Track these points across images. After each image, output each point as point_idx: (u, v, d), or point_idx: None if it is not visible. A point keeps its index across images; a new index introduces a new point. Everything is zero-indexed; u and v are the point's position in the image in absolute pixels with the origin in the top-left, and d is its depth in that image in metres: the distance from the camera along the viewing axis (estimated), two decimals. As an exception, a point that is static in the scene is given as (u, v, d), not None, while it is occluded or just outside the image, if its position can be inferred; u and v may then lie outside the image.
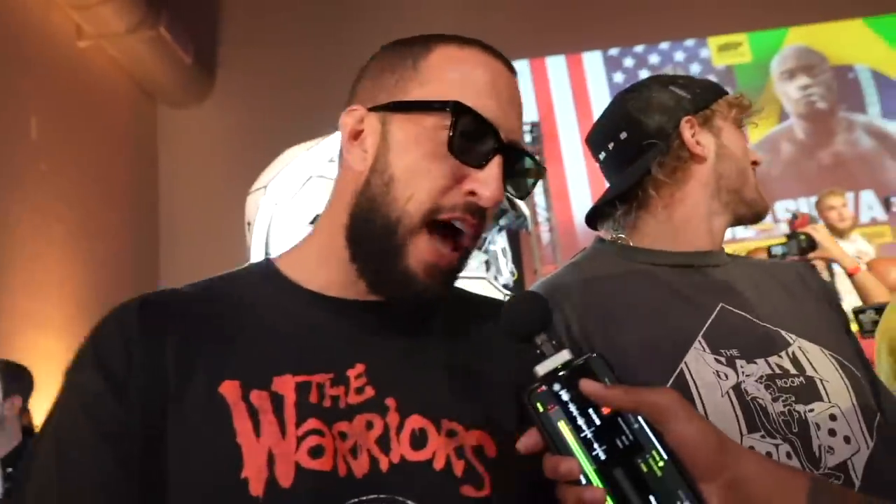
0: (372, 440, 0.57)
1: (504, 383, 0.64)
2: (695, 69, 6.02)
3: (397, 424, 0.58)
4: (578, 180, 5.92)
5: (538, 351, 0.53)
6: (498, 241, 3.03)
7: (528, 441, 0.51)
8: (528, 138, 6.03)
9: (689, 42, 6.20)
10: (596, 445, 0.48)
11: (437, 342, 0.65)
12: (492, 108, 0.60)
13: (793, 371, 0.78)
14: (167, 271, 6.15)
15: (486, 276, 2.46)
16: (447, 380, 0.63)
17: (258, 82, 6.33)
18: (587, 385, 0.50)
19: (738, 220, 0.95)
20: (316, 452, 0.54)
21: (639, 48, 6.18)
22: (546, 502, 0.54)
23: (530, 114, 6.16)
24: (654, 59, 6.17)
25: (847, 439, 0.75)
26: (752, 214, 0.95)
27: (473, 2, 6.19)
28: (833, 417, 0.76)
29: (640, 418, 0.49)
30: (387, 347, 0.62)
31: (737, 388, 0.77)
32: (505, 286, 2.77)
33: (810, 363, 0.80)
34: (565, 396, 0.50)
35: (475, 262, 2.73)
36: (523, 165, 0.65)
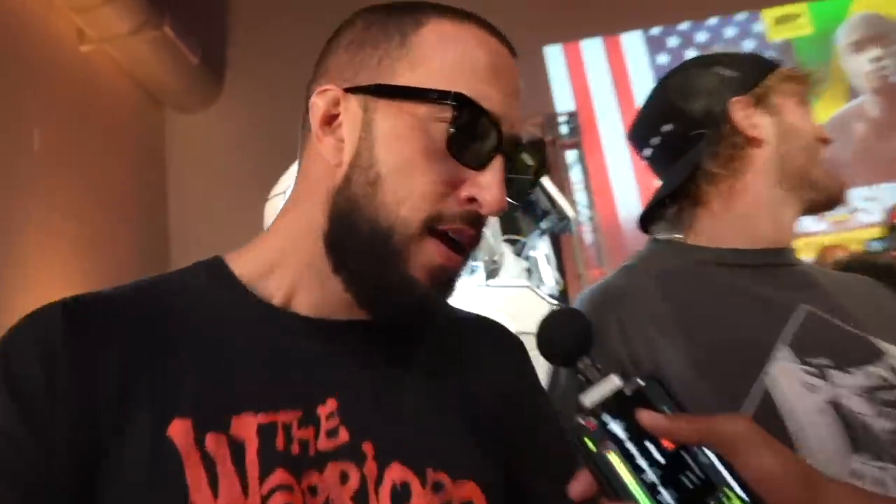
0: (347, 496, 0.52)
1: (497, 417, 0.61)
2: (748, 45, 5.74)
3: (376, 476, 0.53)
4: (622, 174, 5.72)
5: (582, 377, 0.49)
6: (540, 247, 2.88)
7: (579, 486, 0.46)
8: (564, 129, 5.89)
9: (741, 16, 5.93)
10: (661, 487, 0.44)
11: (419, 371, 0.60)
12: (493, 98, 0.56)
13: (894, 381, 0.73)
14: None
15: (528, 284, 2.35)
16: (431, 416, 0.58)
17: (270, 80, 6.32)
18: (647, 417, 0.45)
19: (810, 209, 0.88)
20: None
21: (684, 26, 5.90)
22: None
23: (566, 103, 6.02)
24: (701, 36, 5.89)
25: None
26: (826, 199, 0.88)
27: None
28: None
29: (709, 452, 0.45)
30: (363, 378, 0.57)
31: (834, 401, 0.72)
32: (550, 296, 2.63)
33: None
34: (619, 431, 0.46)
35: (516, 268, 2.60)
36: (524, 163, 0.60)
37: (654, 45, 5.93)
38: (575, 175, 5.83)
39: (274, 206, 2.09)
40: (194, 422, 0.50)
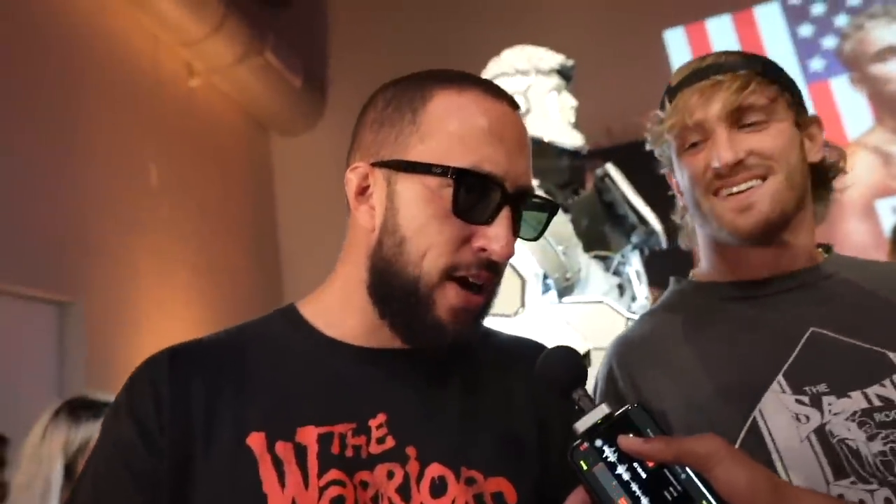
0: (392, 489, 0.65)
1: (527, 427, 0.72)
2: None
3: (417, 473, 0.66)
4: None
5: (576, 407, 0.57)
6: (633, 262, 2.84)
7: (574, 501, 0.55)
8: (690, 123, 5.66)
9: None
10: (644, 501, 0.52)
11: (458, 389, 0.72)
12: (496, 158, 0.66)
13: None
14: (292, 299, 6.51)
15: (603, 299, 2.34)
16: (467, 427, 0.70)
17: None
18: (625, 441, 0.54)
19: (726, 242, 0.93)
20: (337, 502, 0.62)
21: (829, -9, 5.54)
22: None
23: (691, 92, 5.79)
24: (852, 0, 5.48)
25: None
26: (726, 235, 0.90)
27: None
28: None
29: (687, 469, 0.52)
30: (408, 396, 0.70)
31: (820, 430, 0.77)
32: (634, 312, 2.59)
33: None
34: (608, 452, 0.54)
35: (605, 285, 2.59)
36: (536, 205, 0.71)
37: (795, 15, 5.49)
38: (704, 173, 5.60)
39: None
40: (267, 433, 0.65)
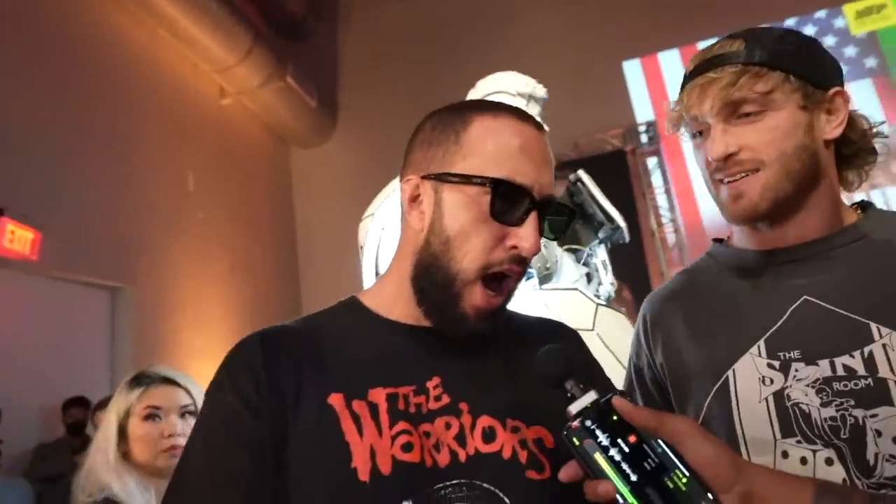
0: (451, 437, 0.68)
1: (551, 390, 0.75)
2: (829, 42, 5.40)
3: (470, 424, 0.69)
4: (703, 177, 5.53)
5: (569, 394, 0.60)
6: (599, 254, 2.97)
7: (568, 471, 0.58)
8: (644, 138, 5.83)
9: (821, 13, 5.62)
10: (627, 469, 0.55)
11: (495, 358, 0.76)
12: (525, 171, 0.70)
13: (861, 372, 0.73)
14: (308, 298, 6.57)
15: (576, 287, 2.42)
16: (507, 388, 0.74)
17: (375, 117, 6.66)
18: (620, 402, 0.57)
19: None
20: (407, 448, 0.66)
21: (761, 29, 5.71)
22: None
23: (645, 113, 5.96)
24: (779, 38, 5.62)
25: None
26: (730, 217, 0.84)
27: (579, 9, 6.09)
28: None
29: (661, 443, 0.55)
30: (456, 363, 0.73)
31: (779, 393, 0.76)
32: (607, 297, 2.71)
33: (890, 364, 0.72)
34: (597, 430, 0.57)
35: (575, 274, 2.70)
36: (557, 210, 0.74)
37: None
38: (656, 180, 5.77)
39: (364, 226, 2.28)
40: (345, 395, 0.68)
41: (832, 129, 0.80)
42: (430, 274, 0.71)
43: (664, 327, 0.89)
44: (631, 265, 3.13)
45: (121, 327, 4.50)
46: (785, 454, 0.74)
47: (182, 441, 1.42)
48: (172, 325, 4.83)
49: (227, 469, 0.65)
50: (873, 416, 0.71)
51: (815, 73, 0.79)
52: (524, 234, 0.69)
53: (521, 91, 2.29)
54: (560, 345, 0.65)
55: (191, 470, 0.68)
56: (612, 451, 0.56)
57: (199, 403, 1.47)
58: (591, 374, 0.81)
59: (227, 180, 5.90)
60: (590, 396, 0.59)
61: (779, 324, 0.79)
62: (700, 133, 0.82)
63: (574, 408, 0.59)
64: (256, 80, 5.87)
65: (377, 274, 1.55)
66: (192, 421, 1.46)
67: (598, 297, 2.49)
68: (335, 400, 0.67)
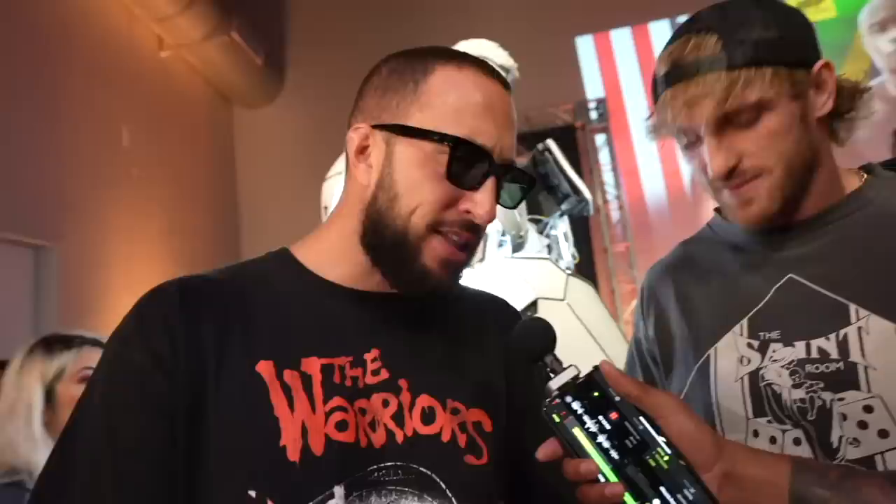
0: (388, 416, 0.64)
1: (494, 367, 0.73)
2: (772, 30, 5.59)
3: (409, 402, 0.66)
4: (648, 157, 5.68)
5: (548, 370, 0.58)
6: (559, 226, 3.00)
7: (547, 449, 0.56)
8: (593, 115, 5.90)
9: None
10: (609, 447, 0.54)
11: (439, 331, 0.72)
12: (486, 131, 0.65)
13: (833, 356, 0.72)
14: (248, 257, 6.41)
15: (549, 257, 2.47)
16: (449, 366, 0.70)
17: (326, 78, 6.47)
18: (607, 367, 0.56)
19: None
20: (341, 426, 0.61)
21: (709, 13, 5.84)
22: (528, 470, 0.67)
23: (595, 90, 6.02)
24: (726, 23, 5.78)
25: (884, 433, 0.69)
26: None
27: (533, -19, 6.05)
28: (869, 409, 0.69)
29: (643, 420, 0.54)
30: (397, 335, 0.69)
31: (754, 373, 0.75)
32: (567, 268, 2.75)
33: (862, 348, 0.71)
34: (577, 406, 0.55)
35: (538, 244, 2.73)
36: (516, 177, 0.69)
37: None
38: (603, 157, 5.85)
39: (330, 186, 2.21)
40: (275, 362, 0.62)
41: (822, 105, 0.76)
42: (378, 232, 0.66)
43: (657, 300, 0.88)
44: (575, 240, 3.21)
45: (45, 288, 4.25)
46: (756, 433, 0.74)
47: None
48: (102, 286, 4.61)
49: (129, 436, 0.58)
50: (840, 399, 0.71)
51: (799, 54, 0.74)
52: (479, 200, 0.64)
53: (503, 64, 2.25)
54: (539, 318, 0.62)
55: (85, 437, 0.59)
56: (593, 428, 0.54)
57: None
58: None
59: (165, 137, 5.63)
60: (570, 372, 0.57)
61: (762, 303, 0.78)
62: (690, 142, 0.77)
63: (554, 383, 0.57)
64: (199, 33, 5.55)
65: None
66: None
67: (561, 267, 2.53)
68: (264, 368, 0.61)
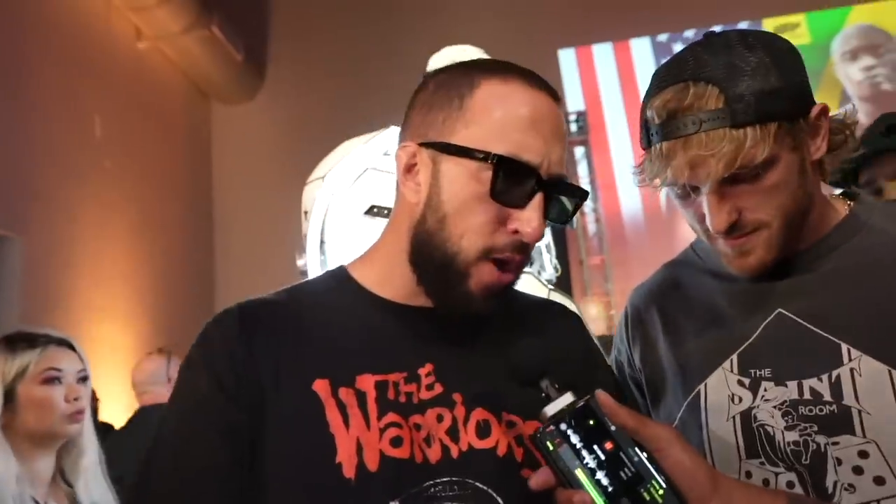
0: (443, 431, 0.64)
1: (566, 373, 0.72)
2: (748, 53, 5.74)
3: (464, 417, 0.65)
4: (625, 171, 5.68)
5: (543, 394, 0.57)
6: (543, 237, 2.98)
7: (539, 478, 0.55)
8: (573, 127, 5.95)
9: (743, 24, 5.93)
10: (603, 478, 0.53)
11: (491, 343, 0.70)
12: (532, 146, 0.63)
13: (826, 398, 0.71)
14: (222, 262, 6.31)
15: (530, 270, 2.46)
16: (503, 377, 0.67)
17: (307, 76, 6.44)
18: (604, 397, 0.55)
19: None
20: (396, 442, 0.61)
21: (689, 33, 5.95)
22: None
23: (576, 103, 6.07)
24: (705, 43, 5.92)
25: (880, 480, 0.67)
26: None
27: (518, -8, 6.10)
28: (864, 454, 0.68)
29: (638, 451, 0.53)
30: (450, 349, 0.68)
31: (746, 413, 0.74)
32: (549, 281, 2.75)
33: (856, 391, 0.70)
34: (572, 435, 0.54)
35: None
36: (567, 191, 0.68)
37: (661, 51, 5.98)
38: (582, 170, 5.91)
39: (311, 191, 2.11)
40: (330, 380, 0.63)
41: (817, 149, 0.75)
42: (426, 252, 0.65)
43: (643, 326, 0.87)
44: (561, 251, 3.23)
45: (7, 280, 4.08)
46: (749, 474, 0.73)
47: (84, 405, 1.32)
48: (68, 281, 4.46)
49: (199, 460, 0.61)
50: (835, 443, 0.69)
51: (800, 103, 0.72)
52: (527, 218, 0.63)
53: None
54: (539, 340, 0.62)
55: (161, 459, 0.63)
56: (588, 458, 0.53)
57: (90, 369, 1.38)
58: (594, 358, 0.78)
59: (140, 130, 5.50)
60: (566, 398, 0.56)
61: (752, 338, 0.76)
62: (686, 194, 0.75)
63: (549, 410, 0.56)
64: (178, 26, 5.46)
65: (322, 242, 1.48)
66: (87, 387, 1.36)
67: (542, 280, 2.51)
68: (320, 386, 0.63)
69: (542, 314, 0.78)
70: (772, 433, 0.72)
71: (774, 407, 0.73)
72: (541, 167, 0.63)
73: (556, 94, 0.67)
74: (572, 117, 5.96)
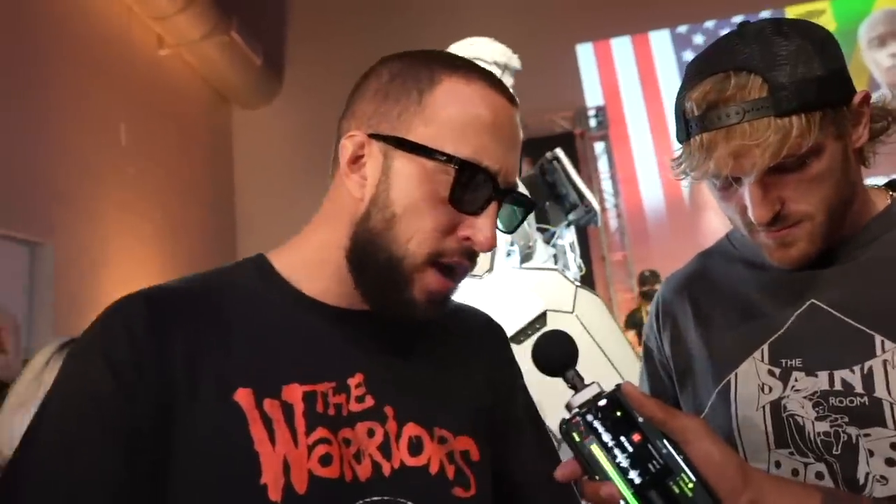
0: (374, 447, 0.61)
1: (481, 389, 0.70)
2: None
3: (396, 432, 0.62)
4: (647, 165, 5.71)
5: (569, 385, 0.56)
6: (566, 236, 2.98)
7: (565, 470, 0.54)
8: (592, 123, 5.90)
9: (766, 13, 5.82)
10: (631, 470, 0.52)
11: (425, 354, 0.68)
12: (492, 152, 0.61)
13: (858, 390, 0.70)
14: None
15: (556, 268, 2.45)
16: (436, 390, 0.67)
17: (325, 78, 6.46)
18: (630, 388, 0.54)
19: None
20: (325, 460, 0.58)
21: (709, 24, 5.85)
22: (512, 492, 0.68)
23: (595, 98, 6.02)
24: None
25: None
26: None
27: (534, -13, 6.08)
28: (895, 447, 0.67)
29: (667, 443, 0.52)
30: (382, 358, 0.65)
31: (776, 403, 0.74)
32: (575, 280, 2.74)
33: (888, 383, 0.69)
34: (599, 426, 0.53)
35: (544, 254, 2.71)
36: (517, 200, 0.66)
37: (681, 43, 5.91)
38: (602, 165, 5.86)
39: None
40: (254, 390, 0.57)
41: (859, 137, 0.73)
42: (370, 252, 0.61)
43: (673, 314, 0.87)
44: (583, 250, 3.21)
45: (40, 286, 4.20)
46: (777, 464, 0.73)
47: None
48: (97, 284, 4.57)
49: (87, 468, 0.52)
50: (866, 435, 0.69)
51: (842, 91, 0.70)
52: (480, 226, 0.61)
53: (498, 60, 2.19)
54: (561, 331, 0.60)
55: (38, 464, 0.53)
56: (615, 450, 0.52)
57: None
58: (515, 377, 0.76)
59: (162, 136, 5.60)
60: (592, 389, 0.55)
61: (784, 328, 0.76)
62: (726, 185, 0.74)
63: (575, 400, 0.55)
64: (198, 32, 5.55)
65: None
66: None
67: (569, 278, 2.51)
68: (242, 396, 0.57)
69: (472, 322, 0.76)
70: (802, 423, 0.72)
71: (805, 397, 0.72)
72: (499, 174, 0.61)
73: (514, 100, 0.65)
74: (591, 112, 5.91)
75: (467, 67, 0.64)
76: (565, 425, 0.54)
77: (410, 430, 0.62)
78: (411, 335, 0.67)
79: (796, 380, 0.73)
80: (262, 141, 6.72)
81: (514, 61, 2.25)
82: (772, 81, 0.67)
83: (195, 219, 5.97)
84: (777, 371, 0.75)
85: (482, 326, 0.77)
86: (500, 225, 0.65)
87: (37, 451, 0.54)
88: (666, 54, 5.89)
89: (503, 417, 0.71)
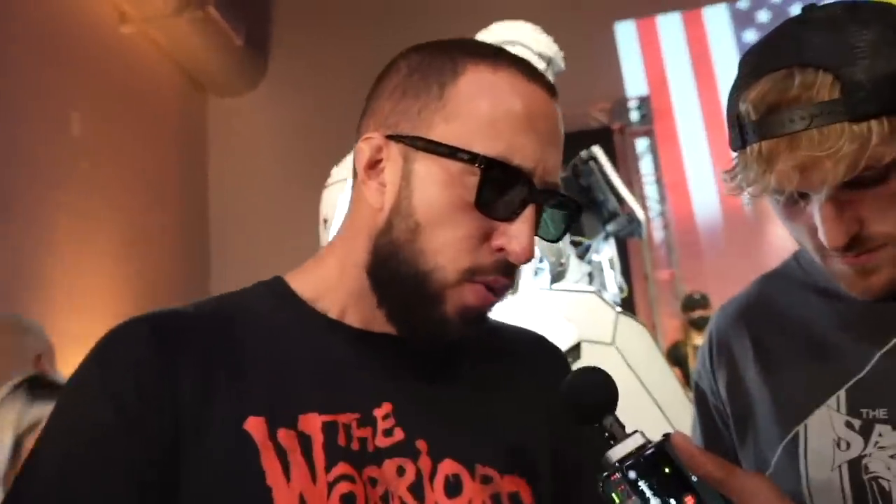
0: (404, 487, 0.61)
1: (534, 421, 0.71)
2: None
3: (430, 470, 0.63)
4: (699, 166, 5.69)
5: (607, 435, 0.55)
6: (604, 251, 2.87)
7: None
8: (634, 116, 5.86)
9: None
10: None
11: (464, 379, 0.70)
12: (526, 148, 0.62)
13: None
14: (219, 278, 6.37)
15: (592, 289, 2.38)
16: (477, 420, 0.68)
17: (315, 64, 6.54)
18: (681, 441, 0.53)
19: None
20: (347, 500, 0.59)
21: (776, -2, 5.84)
22: None
23: (637, 87, 6.01)
24: (796, 9, 5.76)
25: None
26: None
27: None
28: None
29: None
30: (413, 385, 0.67)
31: (855, 462, 0.74)
32: (616, 304, 2.63)
33: None
34: (644, 486, 0.52)
35: (577, 272, 2.60)
36: (560, 204, 0.67)
37: (741, 20, 5.84)
38: (645, 166, 5.87)
39: (331, 195, 2.16)
40: (267, 419, 0.60)
41: None
42: (392, 267, 0.64)
43: (730, 351, 0.87)
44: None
45: (-31, 302, 4.11)
46: None
47: None
48: (40, 304, 4.44)
49: None
50: None
51: None
52: (515, 233, 0.62)
53: (544, 52, 2.15)
54: (597, 369, 0.59)
55: None
56: None
57: None
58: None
59: (124, 128, 5.57)
60: (635, 440, 0.54)
61: (864, 371, 0.76)
62: (792, 200, 0.74)
63: (614, 454, 0.54)
64: (169, 6, 5.51)
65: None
66: None
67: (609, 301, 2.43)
68: (254, 426, 0.59)
69: (520, 343, 0.78)
70: (888, 488, 0.72)
71: (891, 456, 0.72)
72: (534, 173, 0.62)
73: (553, 89, 0.66)
74: (633, 104, 5.89)
75: (495, 54, 0.66)
76: (603, 483, 0.53)
77: (447, 467, 0.63)
78: (446, 357, 0.69)
79: (880, 434, 0.73)
80: (242, 135, 6.69)
81: (560, 59, 2.21)
82: (845, 79, 0.66)
83: (162, 225, 5.94)
84: (857, 423, 0.75)
85: (534, 345, 0.79)
86: (544, 233, 0.67)
87: (36, 492, 0.58)
88: (723, 34, 5.84)
89: (562, 455, 0.71)
